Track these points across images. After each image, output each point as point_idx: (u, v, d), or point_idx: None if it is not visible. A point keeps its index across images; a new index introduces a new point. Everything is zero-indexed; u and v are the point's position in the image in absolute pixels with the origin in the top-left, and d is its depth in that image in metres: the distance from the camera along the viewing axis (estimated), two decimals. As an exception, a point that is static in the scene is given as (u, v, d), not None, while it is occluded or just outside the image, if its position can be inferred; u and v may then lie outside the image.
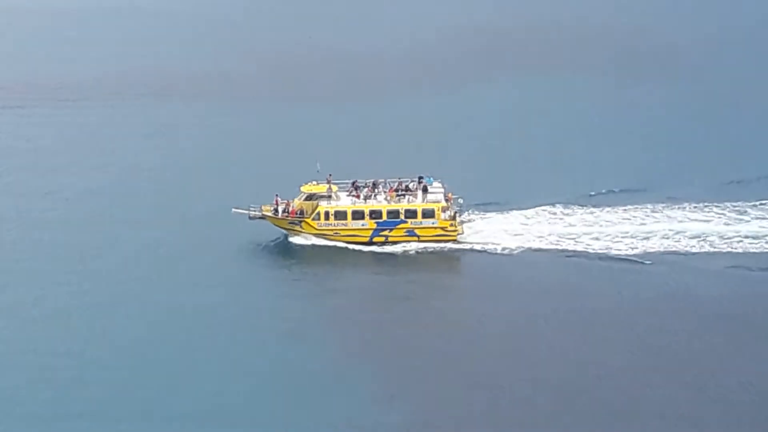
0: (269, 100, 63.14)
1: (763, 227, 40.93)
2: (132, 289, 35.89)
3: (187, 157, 51.90)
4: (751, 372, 29.06)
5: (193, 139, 55.29)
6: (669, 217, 41.77)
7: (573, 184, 45.90)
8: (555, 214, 42.66)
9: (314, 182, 40.99)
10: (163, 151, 52.82)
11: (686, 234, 40.33)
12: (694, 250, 39.03)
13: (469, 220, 41.77)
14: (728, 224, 41.13)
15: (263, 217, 40.68)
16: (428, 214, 40.29)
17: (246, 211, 40.47)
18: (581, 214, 42.67)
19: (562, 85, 64.47)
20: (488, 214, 42.80)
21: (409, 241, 40.39)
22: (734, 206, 42.68)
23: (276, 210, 40.59)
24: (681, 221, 41.24)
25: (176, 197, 45.18)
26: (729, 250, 39.06)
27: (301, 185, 40.90)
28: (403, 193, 41.31)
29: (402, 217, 40.38)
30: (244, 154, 51.55)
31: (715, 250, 39.08)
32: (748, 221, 41.55)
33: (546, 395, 27.95)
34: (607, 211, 42.64)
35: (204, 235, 40.58)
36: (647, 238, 40.10)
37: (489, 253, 39.62)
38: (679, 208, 42.70)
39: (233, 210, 40.16)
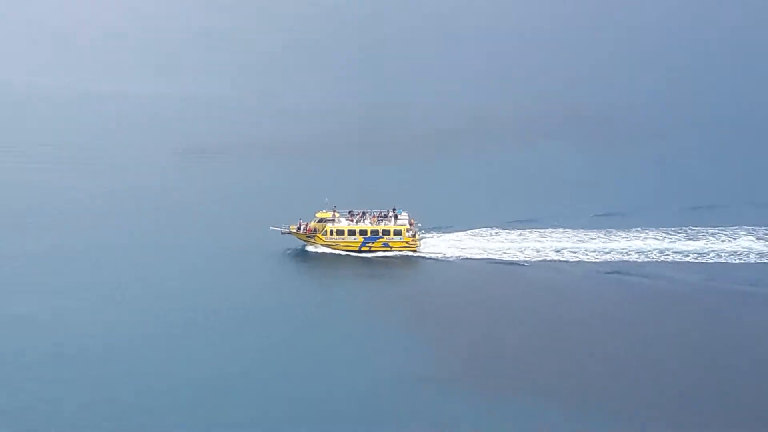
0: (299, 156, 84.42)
1: (621, 246, 62.65)
2: (215, 269, 58.13)
3: (249, 194, 73.77)
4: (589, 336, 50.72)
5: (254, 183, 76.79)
6: (553, 237, 63.74)
7: (497, 215, 67.85)
8: (483, 234, 64.52)
9: (324, 211, 63.08)
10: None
11: (565, 248, 62.28)
12: (565, 259, 60.86)
13: (424, 237, 63.70)
14: (592, 242, 63.00)
15: (290, 233, 62.69)
16: (397, 233, 62.05)
17: (279, 228, 62.42)
18: (501, 234, 64.67)
19: (508, 151, 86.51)
20: (439, 234, 64.90)
21: (384, 251, 62.12)
22: (601, 231, 64.67)
23: (299, 228, 62.65)
24: (560, 241, 63.07)
25: (242, 219, 67.09)
26: (590, 260, 60.72)
27: (316, 212, 63.09)
28: (382, 218, 63.33)
29: (380, 234, 62.19)
30: (282, 194, 73.02)
31: (580, 259, 60.80)
32: (611, 241, 63.32)
33: (464, 341, 49.73)
34: (517, 233, 64.60)
35: (255, 243, 62.55)
36: (538, 251, 61.87)
37: (436, 259, 61.42)
38: (562, 231, 64.65)
39: (270, 227, 62.20)
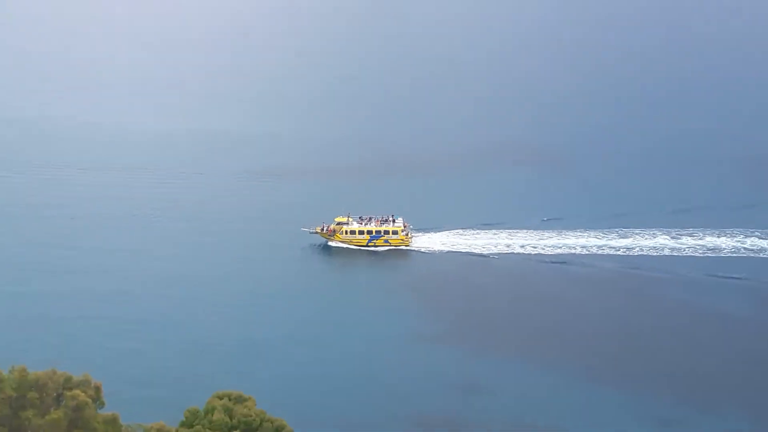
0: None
1: (569, 242, 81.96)
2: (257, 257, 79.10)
3: (290, 204, 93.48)
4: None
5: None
6: (518, 236, 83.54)
7: (474, 219, 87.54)
8: (462, 234, 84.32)
9: (341, 216, 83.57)
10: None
11: (528, 244, 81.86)
12: (527, 252, 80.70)
13: (415, 236, 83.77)
14: (549, 240, 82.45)
15: (316, 232, 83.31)
16: (395, 232, 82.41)
17: (307, 229, 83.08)
18: (478, 234, 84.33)
19: (484, 173, 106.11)
20: (427, 233, 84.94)
21: (385, 246, 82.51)
22: (553, 232, 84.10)
23: (322, 229, 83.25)
24: (524, 239, 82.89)
25: (282, 222, 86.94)
26: (546, 252, 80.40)
27: (335, 218, 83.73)
28: (384, 222, 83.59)
29: (382, 233, 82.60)
30: (312, 205, 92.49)
31: (539, 252, 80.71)
32: (562, 239, 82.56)
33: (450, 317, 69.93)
34: (486, 231, 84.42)
35: (290, 239, 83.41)
36: (508, 245, 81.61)
37: (423, 252, 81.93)
38: (525, 231, 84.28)
39: (301, 228, 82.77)
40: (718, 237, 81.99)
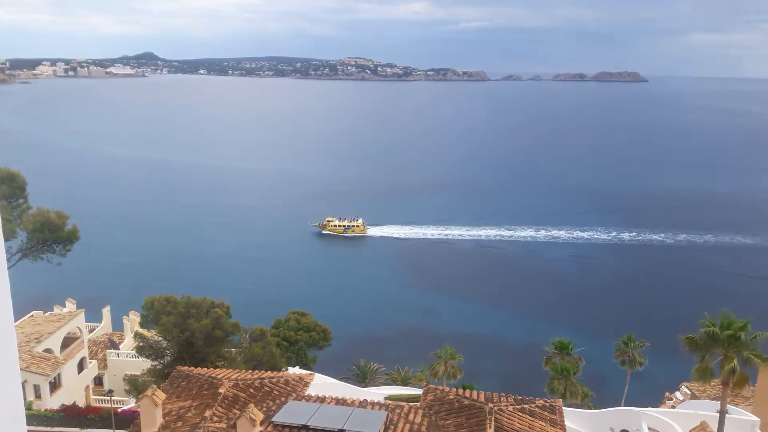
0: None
1: (490, 232, 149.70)
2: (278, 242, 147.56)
3: (312, 211, 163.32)
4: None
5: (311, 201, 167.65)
6: (451, 227, 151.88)
7: (406, 219, 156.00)
8: (397, 228, 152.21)
9: (329, 217, 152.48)
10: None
11: (451, 234, 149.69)
12: (447, 239, 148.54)
13: (368, 228, 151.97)
14: (483, 231, 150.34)
15: (315, 225, 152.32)
16: (357, 226, 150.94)
17: (311, 224, 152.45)
18: (404, 228, 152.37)
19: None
20: (378, 226, 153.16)
21: (352, 233, 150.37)
22: (490, 227, 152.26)
23: (319, 223, 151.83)
24: (469, 230, 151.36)
25: (301, 218, 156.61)
26: (475, 237, 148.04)
27: (326, 217, 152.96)
28: (352, 220, 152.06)
29: (350, 226, 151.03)
30: (318, 209, 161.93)
31: (473, 238, 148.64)
32: (481, 230, 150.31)
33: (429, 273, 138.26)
34: (411, 227, 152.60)
35: (303, 228, 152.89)
36: (439, 234, 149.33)
37: (372, 236, 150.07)
38: (450, 227, 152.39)
39: (308, 223, 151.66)
40: (560, 231, 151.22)
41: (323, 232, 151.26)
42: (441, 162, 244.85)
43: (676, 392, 56.11)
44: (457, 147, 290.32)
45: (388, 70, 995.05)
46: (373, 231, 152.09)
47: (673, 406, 49.27)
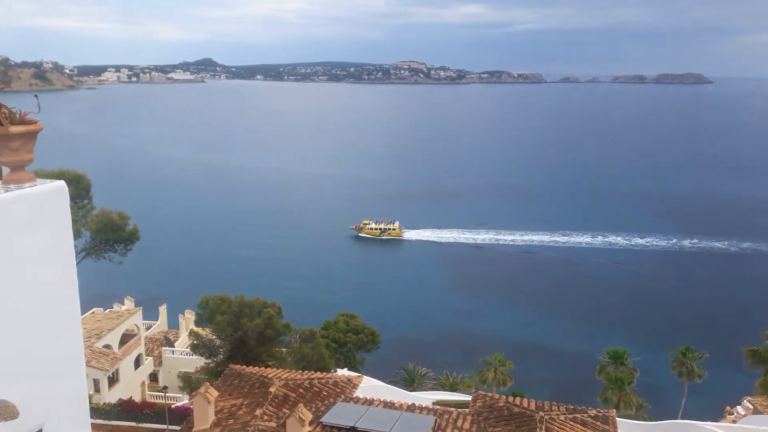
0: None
1: (543, 238, 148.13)
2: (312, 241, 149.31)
3: (352, 216, 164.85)
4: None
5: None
6: (491, 231, 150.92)
7: (443, 223, 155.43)
8: (433, 231, 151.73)
9: (367, 220, 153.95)
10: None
11: (495, 239, 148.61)
12: (490, 243, 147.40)
13: (404, 231, 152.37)
14: (516, 236, 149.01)
15: (353, 228, 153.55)
16: (393, 229, 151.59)
17: (350, 227, 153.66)
18: (440, 231, 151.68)
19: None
20: (415, 230, 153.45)
21: (388, 236, 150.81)
22: (506, 231, 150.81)
23: (358, 227, 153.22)
24: (496, 235, 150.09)
25: (342, 222, 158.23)
26: (510, 244, 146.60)
27: (363, 220, 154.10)
28: (388, 223, 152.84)
29: (386, 230, 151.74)
30: (356, 214, 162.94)
31: (510, 243, 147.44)
32: (523, 236, 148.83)
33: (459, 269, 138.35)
34: (450, 231, 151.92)
35: (342, 230, 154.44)
36: (481, 239, 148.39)
37: (408, 240, 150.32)
38: (490, 231, 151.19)
39: (347, 226, 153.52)
40: (617, 237, 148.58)
41: (360, 234, 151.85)
42: (496, 166, 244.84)
43: (738, 406, 53.78)
44: (514, 151, 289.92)
45: (441, 73, 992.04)
46: (409, 234, 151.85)
47: (734, 421, 47.26)
